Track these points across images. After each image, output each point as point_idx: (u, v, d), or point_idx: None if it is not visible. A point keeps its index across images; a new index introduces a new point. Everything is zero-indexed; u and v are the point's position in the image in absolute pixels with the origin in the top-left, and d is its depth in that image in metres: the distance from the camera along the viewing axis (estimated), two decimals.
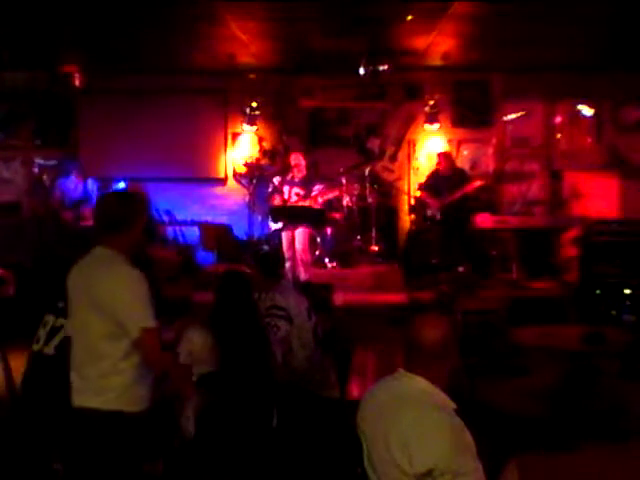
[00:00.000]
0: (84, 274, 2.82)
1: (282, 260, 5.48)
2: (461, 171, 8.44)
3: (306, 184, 7.85)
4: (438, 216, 8.05)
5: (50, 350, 3.45)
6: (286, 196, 7.87)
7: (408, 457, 2.18)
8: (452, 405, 2.34)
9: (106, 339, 2.69)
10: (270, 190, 8.15)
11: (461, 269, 7.70)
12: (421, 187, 8.48)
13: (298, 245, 7.61)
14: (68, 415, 3.31)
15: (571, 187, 8.83)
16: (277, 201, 7.92)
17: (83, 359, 2.76)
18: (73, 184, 8.25)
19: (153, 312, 2.70)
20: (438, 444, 2.18)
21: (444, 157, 8.37)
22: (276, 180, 8.07)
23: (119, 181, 8.50)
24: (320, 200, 7.82)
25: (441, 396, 2.35)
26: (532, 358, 3.66)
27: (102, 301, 2.69)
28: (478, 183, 8.24)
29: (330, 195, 8.03)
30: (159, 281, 6.66)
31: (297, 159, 7.96)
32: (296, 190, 7.86)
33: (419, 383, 2.35)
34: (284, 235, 7.77)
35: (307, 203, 7.76)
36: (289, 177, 7.99)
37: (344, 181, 8.27)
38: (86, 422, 2.71)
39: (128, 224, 2.80)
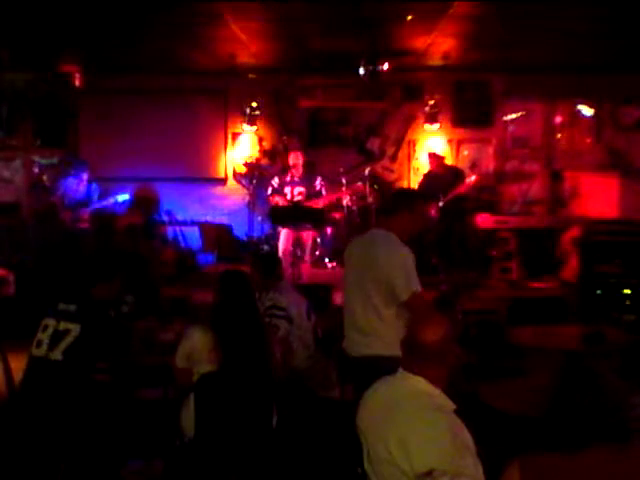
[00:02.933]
0: (365, 249, 3.66)
1: (280, 260, 5.48)
2: (454, 169, 8.44)
3: (307, 181, 7.89)
4: (436, 214, 8.05)
5: (57, 355, 3.43)
6: (289, 197, 7.90)
7: (408, 457, 2.18)
8: (452, 405, 2.34)
9: (384, 302, 3.47)
10: (269, 192, 8.16)
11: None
12: (419, 189, 8.48)
13: (306, 247, 7.65)
14: (76, 417, 3.31)
15: (571, 187, 8.82)
16: (280, 202, 7.94)
17: (366, 319, 3.53)
18: (75, 184, 8.24)
19: (417, 279, 3.46)
20: (438, 445, 2.18)
21: (433, 157, 8.41)
22: (275, 182, 8.09)
23: (119, 181, 8.49)
24: (321, 202, 7.87)
25: (441, 396, 2.35)
26: (532, 358, 3.66)
27: (380, 273, 3.47)
28: (473, 178, 8.22)
29: (336, 195, 8.09)
30: (157, 281, 6.69)
31: (296, 158, 8.00)
32: (299, 189, 7.89)
33: (419, 383, 2.35)
34: (284, 234, 7.77)
35: (313, 204, 7.79)
36: (288, 178, 8.02)
37: (344, 181, 8.28)
38: (368, 366, 3.40)
39: (395, 210, 3.70)
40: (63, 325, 3.49)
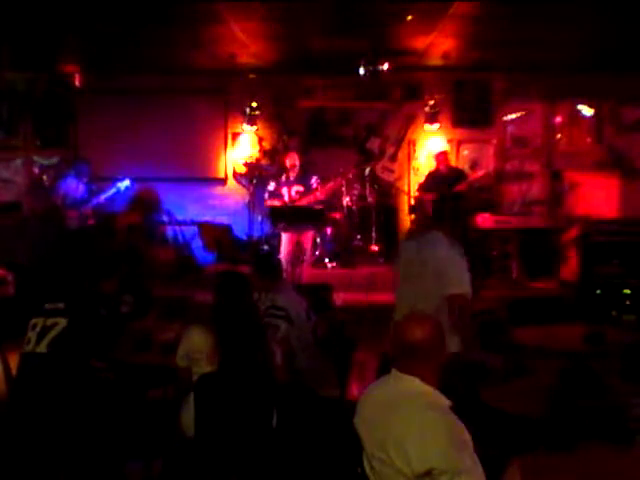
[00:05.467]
0: (418, 248, 4.06)
1: (280, 261, 5.48)
2: (458, 170, 8.45)
3: (303, 179, 7.87)
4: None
5: (42, 348, 3.45)
6: (286, 198, 7.89)
7: (406, 458, 2.18)
8: (447, 402, 2.34)
9: (440, 297, 3.77)
10: (267, 195, 8.15)
11: None
12: (420, 188, 8.48)
13: (306, 250, 7.65)
14: (71, 413, 3.30)
15: (571, 187, 8.83)
16: (277, 204, 7.93)
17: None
18: (75, 184, 8.24)
19: (467, 280, 3.83)
20: (436, 443, 2.17)
21: (443, 156, 8.42)
22: (271, 187, 8.08)
23: (119, 181, 8.49)
24: (319, 194, 7.82)
25: (435, 394, 2.35)
26: (532, 358, 3.66)
27: (435, 269, 3.83)
28: (481, 173, 8.26)
29: (331, 185, 8.05)
30: (151, 280, 6.67)
31: (292, 160, 7.98)
32: (296, 188, 7.88)
33: (412, 383, 2.35)
34: (285, 237, 7.77)
35: (311, 198, 7.76)
36: (283, 179, 8.01)
37: (344, 181, 8.28)
38: None
39: (445, 218, 4.21)
40: (51, 320, 3.51)
